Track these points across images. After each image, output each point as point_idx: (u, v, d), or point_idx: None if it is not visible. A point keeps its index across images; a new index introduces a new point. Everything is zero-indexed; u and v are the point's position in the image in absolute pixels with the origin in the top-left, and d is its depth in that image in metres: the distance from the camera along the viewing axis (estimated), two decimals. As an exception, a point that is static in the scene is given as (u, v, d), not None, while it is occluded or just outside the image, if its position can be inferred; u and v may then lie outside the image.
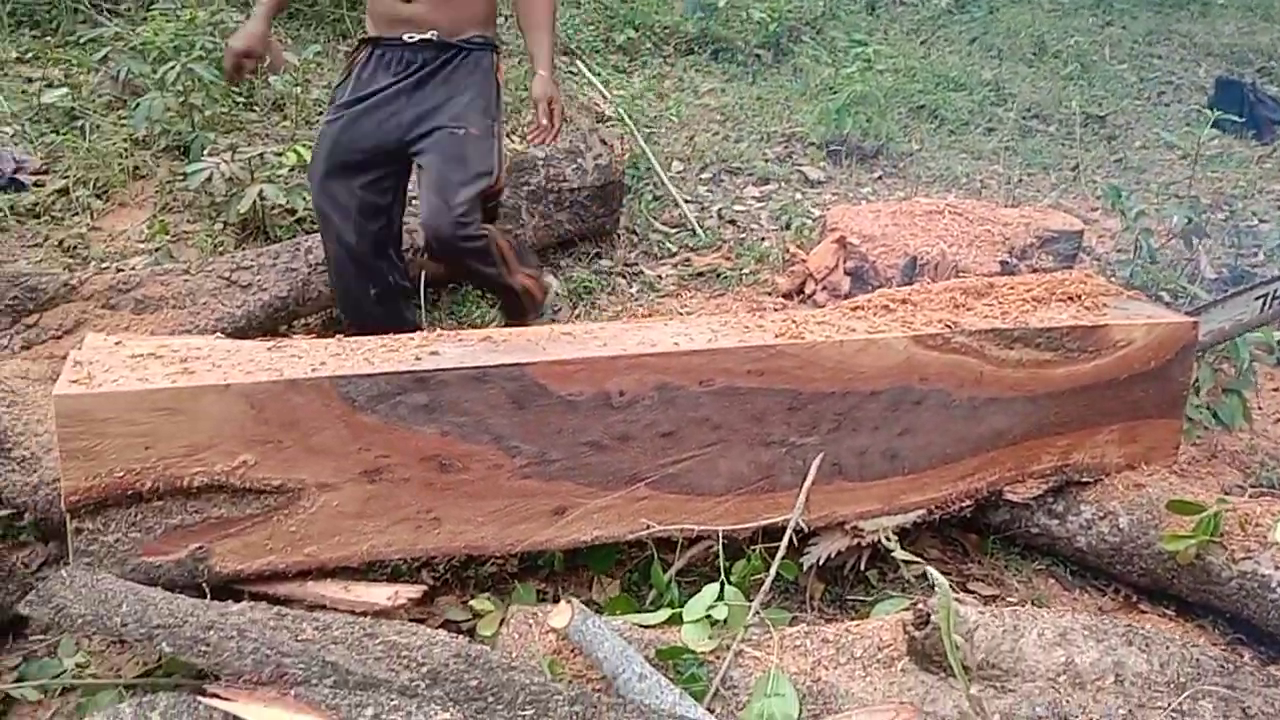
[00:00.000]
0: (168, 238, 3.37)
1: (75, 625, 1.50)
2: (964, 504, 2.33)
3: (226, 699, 1.35)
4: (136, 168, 3.67)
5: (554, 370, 1.87)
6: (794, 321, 2.16)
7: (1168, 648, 1.66)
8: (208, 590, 1.74)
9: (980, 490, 2.33)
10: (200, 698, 1.37)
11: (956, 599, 1.69)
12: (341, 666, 1.46)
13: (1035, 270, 3.26)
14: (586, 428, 1.93)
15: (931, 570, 1.32)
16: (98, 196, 3.49)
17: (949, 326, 2.21)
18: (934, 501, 2.30)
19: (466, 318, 3.28)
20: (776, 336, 2.08)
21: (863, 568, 2.28)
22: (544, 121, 2.70)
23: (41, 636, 2.04)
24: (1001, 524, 2.48)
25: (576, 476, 1.95)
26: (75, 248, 3.23)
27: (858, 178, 4.75)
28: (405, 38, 2.60)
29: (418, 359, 1.84)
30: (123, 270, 2.95)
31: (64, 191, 3.42)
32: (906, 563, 2.07)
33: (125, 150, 3.68)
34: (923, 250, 3.32)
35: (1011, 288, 2.47)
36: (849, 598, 2.28)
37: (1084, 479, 2.40)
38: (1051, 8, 7.96)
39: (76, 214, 3.38)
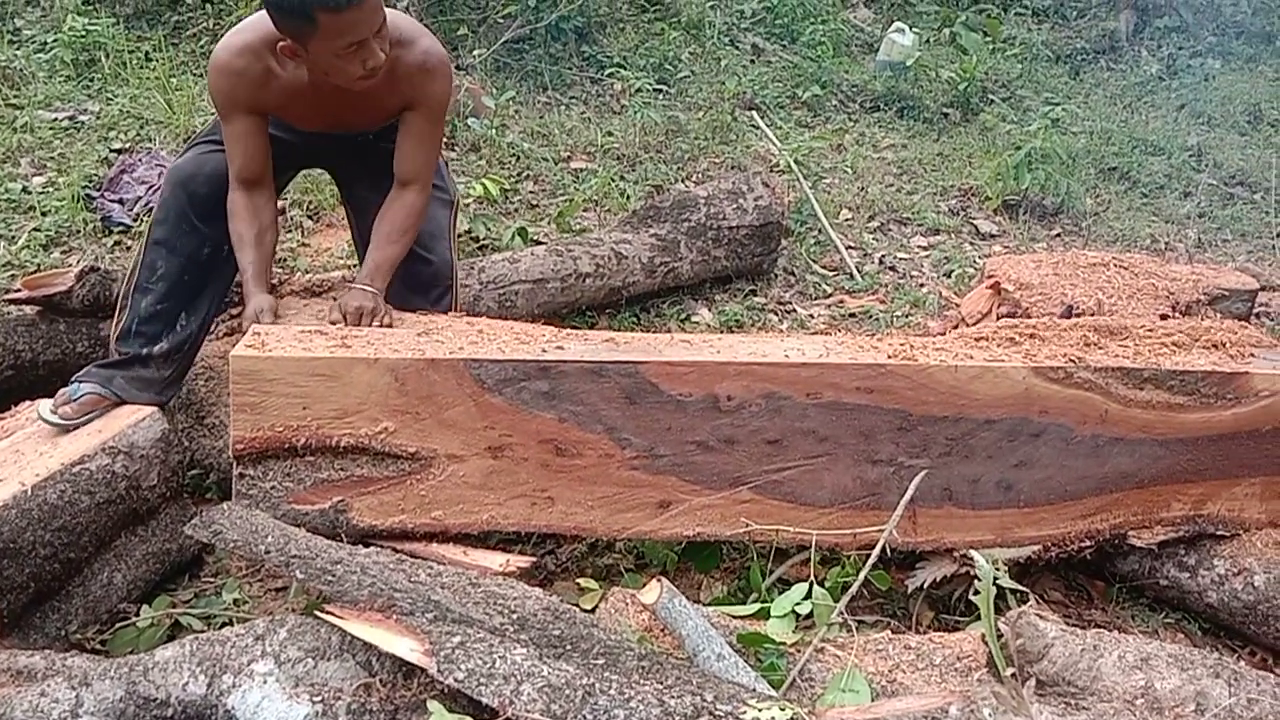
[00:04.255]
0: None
1: (228, 546, 1.75)
2: (1084, 544, 2.29)
3: (339, 616, 1.55)
4: (346, 194, 4.09)
5: (665, 370, 2.02)
6: (910, 345, 2.21)
7: (1259, 685, 1.61)
8: (345, 541, 1.97)
9: (1102, 532, 2.29)
10: (318, 614, 1.58)
11: (1039, 614, 1.70)
12: (444, 605, 1.64)
13: (1199, 327, 3.15)
14: (694, 428, 2.06)
15: (974, 552, 1.36)
16: (310, 218, 3.93)
17: (1073, 361, 2.21)
18: (1050, 538, 2.27)
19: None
20: (889, 357, 2.14)
21: (972, 597, 2.28)
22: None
23: (212, 579, 2.34)
24: (1129, 573, 2.42)
25: (682, 473, 2.08)
26: (286, 260, 3.65)
27: (1033, 233, 4.69)
28: None
29: (544, 350, 2.03)
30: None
31: (282, 212, 3.87)
32: (1014, 592, 2.08)
33: (338, 179, 4.12)
34: (1080, 300, 3.27)
35: (1150, 330, 2.43)
36: (958, 626, 2.28)
37: (1220, 532, 2.32)
38: (1276, 76, 7.55)
39: (290, 231, 3.82)
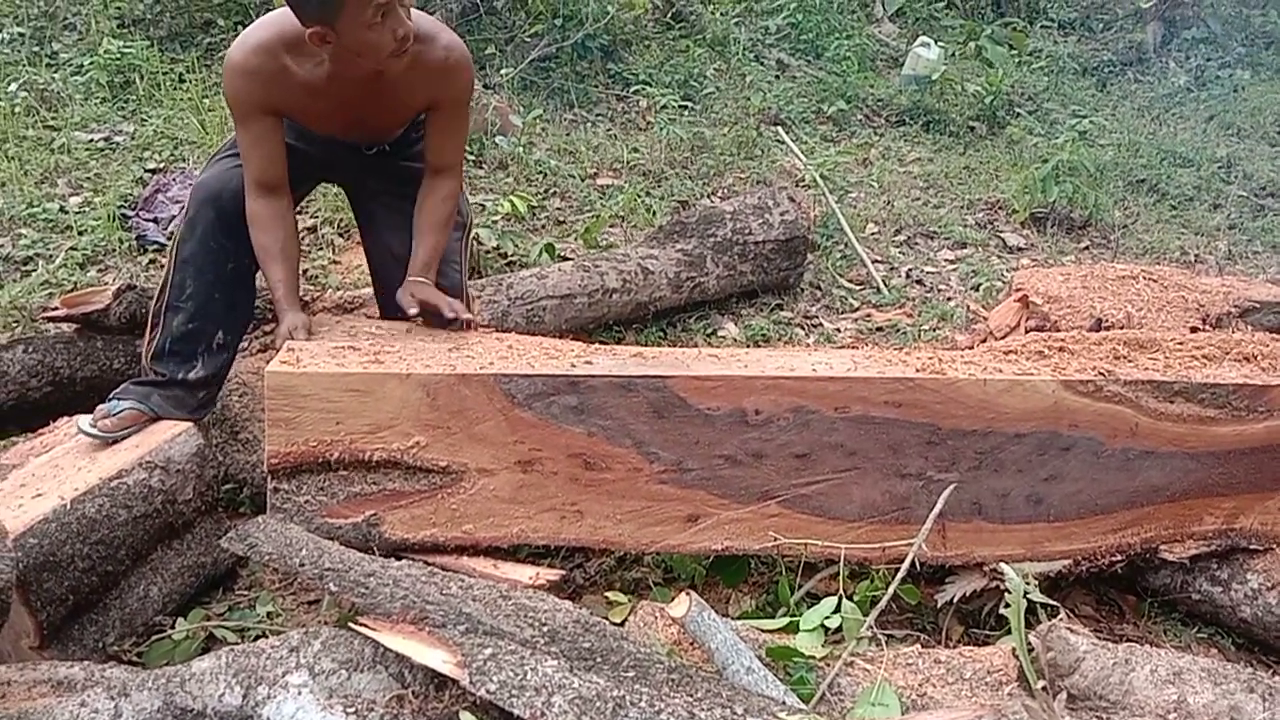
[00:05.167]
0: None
1: (262, 559, 1.78)
2: (1114, 558, 2.28)
3: (372, 628, 1.57)
4: (375, 212, 4.15)
5: (693, 385, 2.03)
6: (938, 358, 2.21)
7: (1294, 700, 1.59)
8: (377, 554, 1.99)
9: (1133, 546, 2.28)
10: (351, 626, 1.60)
11: (1070, 628, 1.69)
12: (475, 618, 1.66)
13: (1231, 339, 3.12)
14: (722, 442, 2.07)
15: (1004, 566, 1.36)
16: (340, 235, 3.98)
17: (1102, 374, 2.20)
18: (1081, 552, 2.26)
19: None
20: (917, 371, 2.15)
21: (1002, 610, 2.27)
22: (446, 315, 2.40)
23: (246, 592, 2.37)
24: (1161, 587, 2.40)
25: (711, 487, 2.09)
26: (316, 277, 3.70)
27: (1061, 246, 4.67)
28: None
29: (573, 365, 2.05)
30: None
31: (312, 229, 3.93)
32: (1044, 607, 2.06)
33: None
34: (1108, 313, 3.25)
35: (1180, 343, 2.41)
36: (988, 640, 2.27)
37: (1253, 546, 2.30)
38: (1308, 86, 7.50)
39: (321, 249, 3.87)
